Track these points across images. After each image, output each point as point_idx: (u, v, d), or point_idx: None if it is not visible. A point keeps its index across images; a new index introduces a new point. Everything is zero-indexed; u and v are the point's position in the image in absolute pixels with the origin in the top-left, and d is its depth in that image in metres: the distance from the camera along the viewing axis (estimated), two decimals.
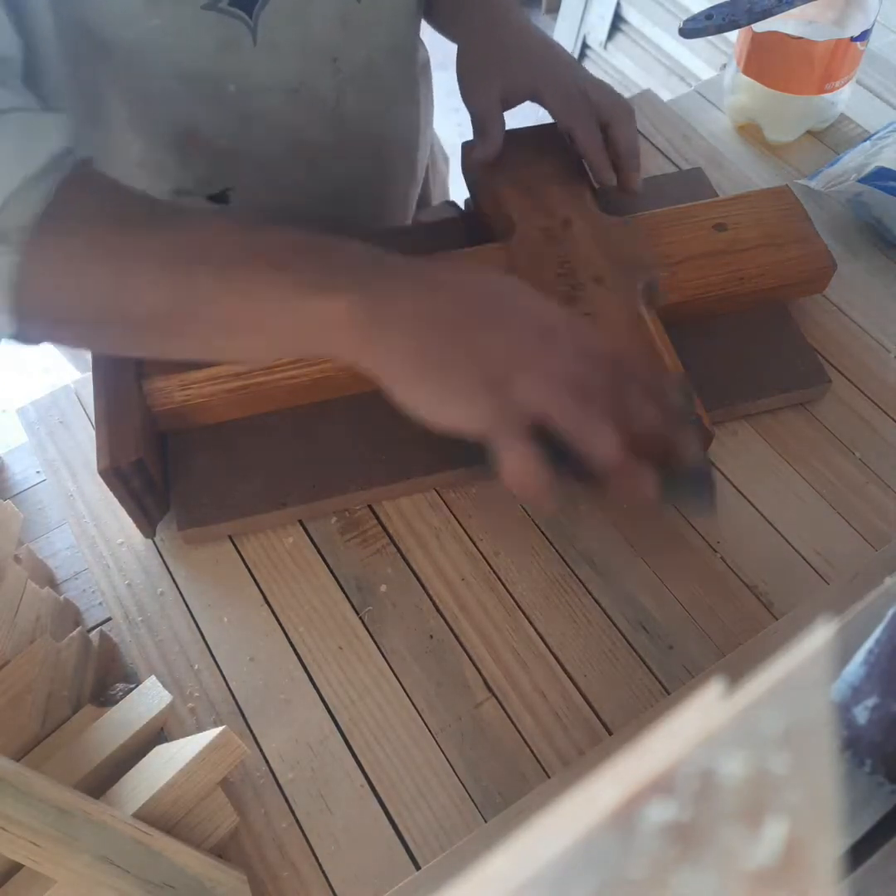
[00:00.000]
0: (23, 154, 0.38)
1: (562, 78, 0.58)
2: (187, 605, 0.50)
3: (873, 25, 0.65)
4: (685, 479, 0.40)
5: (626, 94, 0.73)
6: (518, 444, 0.38)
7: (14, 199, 0.37)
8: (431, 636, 0.49)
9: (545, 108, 0.59)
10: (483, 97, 0.59)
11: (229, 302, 0.39)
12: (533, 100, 0.59)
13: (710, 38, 0.71)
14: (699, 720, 0.13)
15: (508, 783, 0.45)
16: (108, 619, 0.51)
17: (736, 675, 0.44)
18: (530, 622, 0.49)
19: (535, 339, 0.39)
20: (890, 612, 0.34)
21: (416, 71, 0.66)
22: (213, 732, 0.39)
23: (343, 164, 0.62)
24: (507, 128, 0.60)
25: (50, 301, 0.40)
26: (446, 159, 0.85)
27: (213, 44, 0.51)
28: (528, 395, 0.38)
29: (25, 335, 0.41)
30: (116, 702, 0.44)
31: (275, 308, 0.39)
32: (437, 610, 0.50)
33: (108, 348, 0.47)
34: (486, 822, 0.43)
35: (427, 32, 0.68)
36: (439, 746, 0.46)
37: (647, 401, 0.39)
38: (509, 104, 0.60)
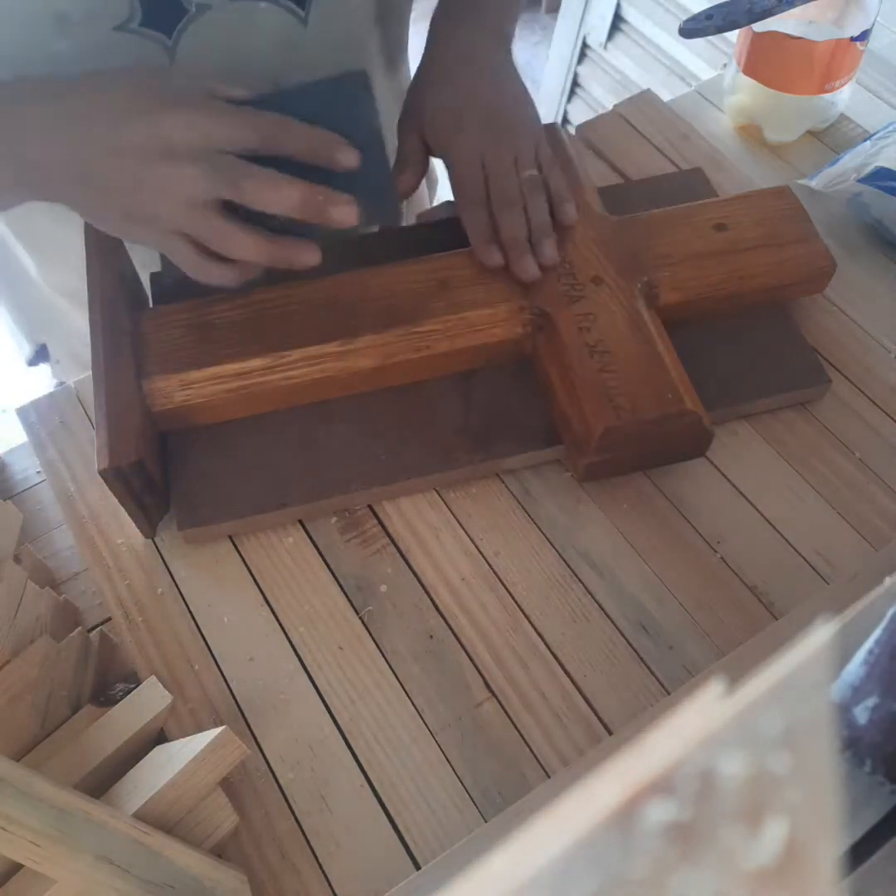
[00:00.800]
0: None
1: (466, 156, 0.54)
2: (187, 605, 0.50)
3: (873, 25, 0.65)
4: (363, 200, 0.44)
5: (626, 95, 0.74)
6: (176, 252, 0.44)
7: None
8: (431, 636, 0.49)
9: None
10: (408, 138, 0.56)
11: None
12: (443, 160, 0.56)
13: (710, 38, 0.71)
14: (699, 720, 0.13)
15: (508, 783, 0.45)
16: (108, 619, 0.51)
17: (736, 675, 0.44)
18: (530, 622, 0.49)
19: (151, 158, 0.42)
20: (890, 612, 0.34)
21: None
22: (213, 732, 0.39)
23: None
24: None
25: None
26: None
27: (128, 63, 0.49)
28: (173, 217, 0.43)
29: None
30: (116, 702, 0.44)
31: None
32: (437, 610, 0.50)
33: None
34: (486, 822, 0.43)
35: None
36: (439, 746, 0.46)
37: (281, 129, 0.43)
38: (430, 151, 0.57)
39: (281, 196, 0.42)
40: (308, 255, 0.45)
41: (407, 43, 0.67)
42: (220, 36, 0.51)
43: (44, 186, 0.44)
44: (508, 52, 0.59)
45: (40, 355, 0.73)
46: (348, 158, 0.44)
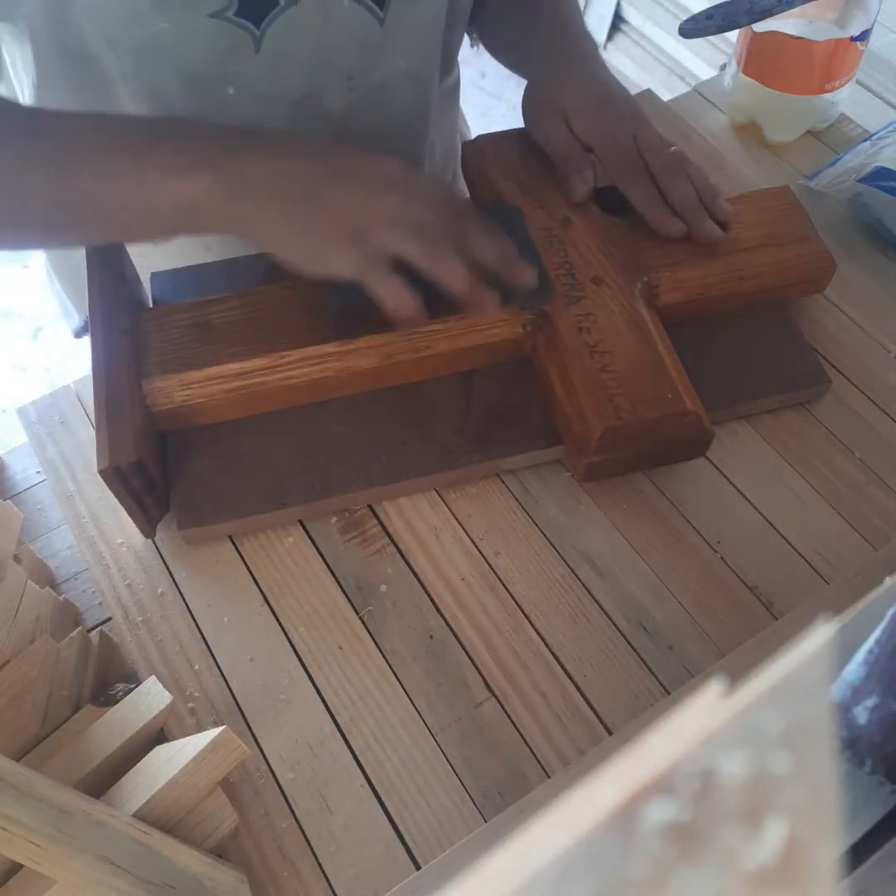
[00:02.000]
0: None
1: (620, 135, 0.57)
2: (187, 605, 0.50)
3: (873, 25, 0.65)
4: (525, 292, 0.50)
5: None
6: (386, 278, 0.46)
7: None
8: (431, 636, 0.49)
9: (601, 164, 0.58)
10: (562, 140, 0.59)
11: (105, 196, 0.44)
12: (589, 151, 0.58)
13: (710, 38, 0.71)
14: (699, 720, 0.13)
15: (508, 783, 0.45)
16: (108, 619, 0.51)
17: (736, 675, 0.44)
18: (530, 622, 0.49)
19: (380, 190, 0.46)
20: (890, 612, 0.34)
21: (431, 97, 0.66)
22: (213, 732, 0.39)
23: None
24: (509, 128, 0.60)
25: None
26: None
27: (216, 49, 0.51)
28: (383, 240, 0.45)
29: None
30: (116, 702, 0.44)
31: (143, 195, 0.44)
32: (437, 610, 0.50)
33: (8, 246, 0.50)
34: (486, 822, 0.43)
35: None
36: (439, 746, 0.46)
37: (485, 236, 0.47)
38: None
39: (457, 272, 0.46)
40: (491, 306, 0.48)
41: (460, 47, 0.69)
42: (302, 31, 0.53)
43: (256, 203, 0.44)
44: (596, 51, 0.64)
45: (87, 327, 0.74)
46: (526, 277, 0.49)
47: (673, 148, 0.57)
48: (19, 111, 0.47)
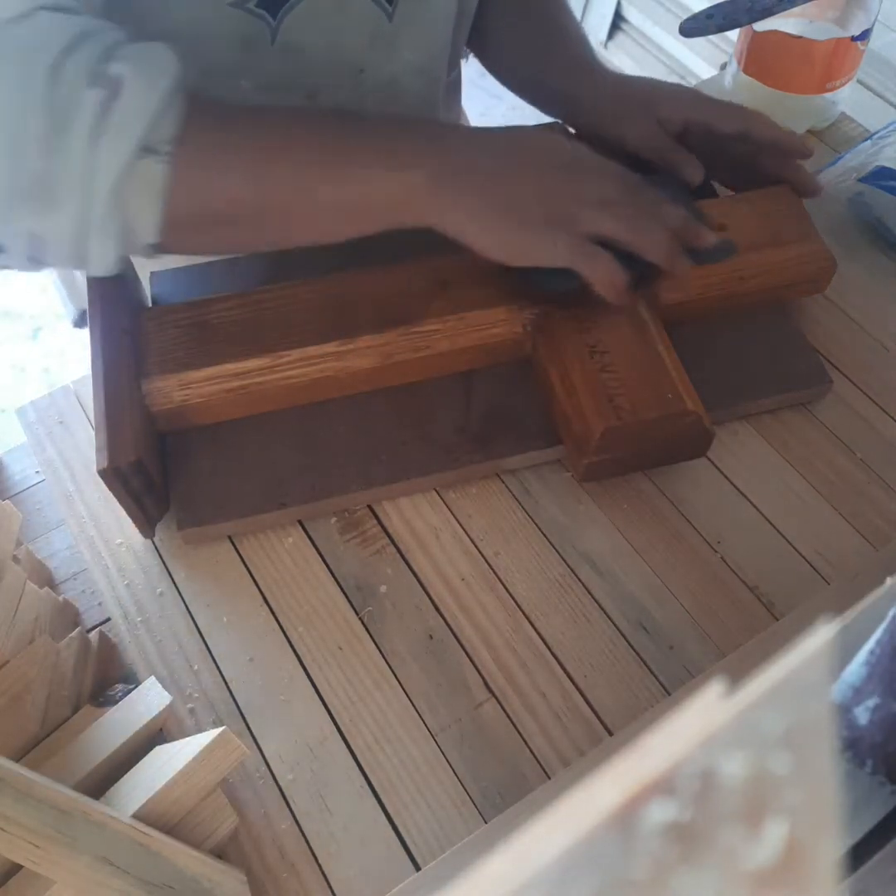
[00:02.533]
0: (157, 75, 0.42)
1: (701, 101, 0.59)
2: (187, 605, 0.50)
3: (873, 25, 0.65)
4: (712, 251, 0.52)
5: None
6: (598, 257, 0.47)
7: (159, 115, 0.41)
8: (431, 636, 0.49)
9: (709, 126, 0.58)
10: (652, 136, 0.59)
11: (334, 188, 0.46)
12: (692, 120, 0.58)
13: (710, 37, 0.71)
14: (699, 720, 0.13)
15: (508, 783, 0.45)
16: (108, 620, 0.51)
17: (736, 675, 0.44)
18: (530, 622, 0.49)
19: (575, 173, 0.48)
20: (891, 612, 0.34)
21: (439, 92, 0.66)
22: (213, 733, 0.39)
23: None
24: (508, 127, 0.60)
25: (193, 207, 0.44)
26: None
27: (234, 40, 0.52)
28: (588, 220, 0.47)
29: (163, 244, 0.45)
30: (116, 702, 0.44)
31: (369, 187, 0.46)
32: (437, 610, 0.50)
33: (240, 245, 0.52)
34: (486, 822, 0.43)
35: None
36: (439, 747, 0.46)
37: (671, 206, 0.50)
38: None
39: (662, 240, 0.49)
40: (687, 270, 0.50)
41: (464, 43, 0.69)
42: (316, 23, 0.54)
43: (461, 195, 0.46)
44: None
45: (84, 319, 0.74)
46: (710, 238, 0.51)
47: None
48: (246, 109, 0.47)
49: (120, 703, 0.44)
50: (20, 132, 0.39)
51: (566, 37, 0.65)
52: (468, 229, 0.47)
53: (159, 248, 0.46)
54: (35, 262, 0.45)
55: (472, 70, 0.73)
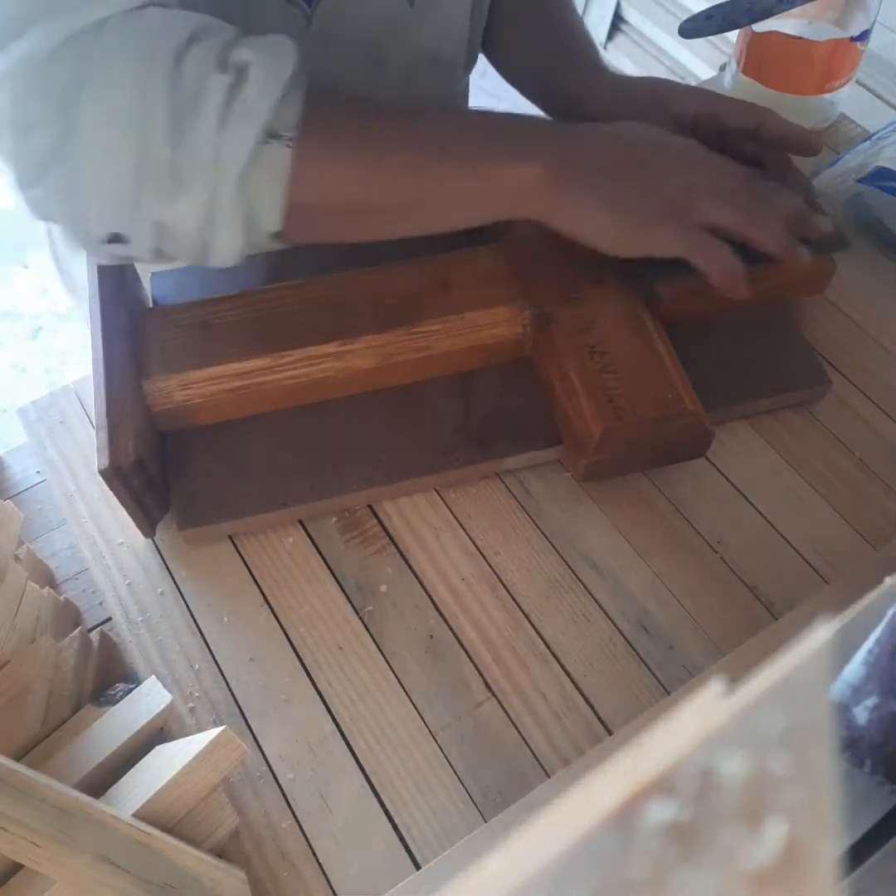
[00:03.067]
0: (280, 61, 0.42)
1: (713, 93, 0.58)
2: (187, 605, 0.50)
3: (873, 25, 0.65)
4: (826, 242, 0.52)
5: None
6: (715, 248, 0.48)
7: (284, 100, 0.42)
8: (431, 636, 0.49)
9: (720, 120, 0.57)
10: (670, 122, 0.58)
11: (455, 179, 0.47)
12: (703, 114, 0.57)
13: (710, 38, 0.71)
14: (699, 720, 0.13)
15: (508, 783, 0.45)
16: (108, 619, 0.51)
17: (736, 675, 0.44)
18: (530, 622, 0.49)
19: (687, 164, 0.49)
20: (890, 612, 0.34)
21: (455, 86, 0.66)
22: (213, 732, 0.39)
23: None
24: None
25: (315, 194, 0.45)
26: None
27: (273, 31, 0.52)
28: (707, 211, 0.48)
29: (286, 233, 0.45)
30: (116, 702, 0.44)
31: (489, 179, 0.47)
32: (437, 610, 0.50)
33: (361, 233, 0.52)
34: (485, 821, 0.43)
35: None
36: (439, 746, 0.46)
37: (786, 195, 0.50)
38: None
39: (776, 230, 0.49)
40: (805, 259, 0.50)
41: (480, 36, 0.69)
42: (343, 11, 0.54)
43: (579, 190, 0.47)
44: None
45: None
46: (827, 225, 0.52)
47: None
48: (361, 99, 0.48)
49: (120, 702, 0.44)
50: (146, 119, 0.40)
51: (573, 38, 0.65)
52: (583, 227, 0.48)
53: (282, 238, 0.46)
54: (159, 254, 0.45)
55: (472, 71, 0.73)
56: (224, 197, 0.42)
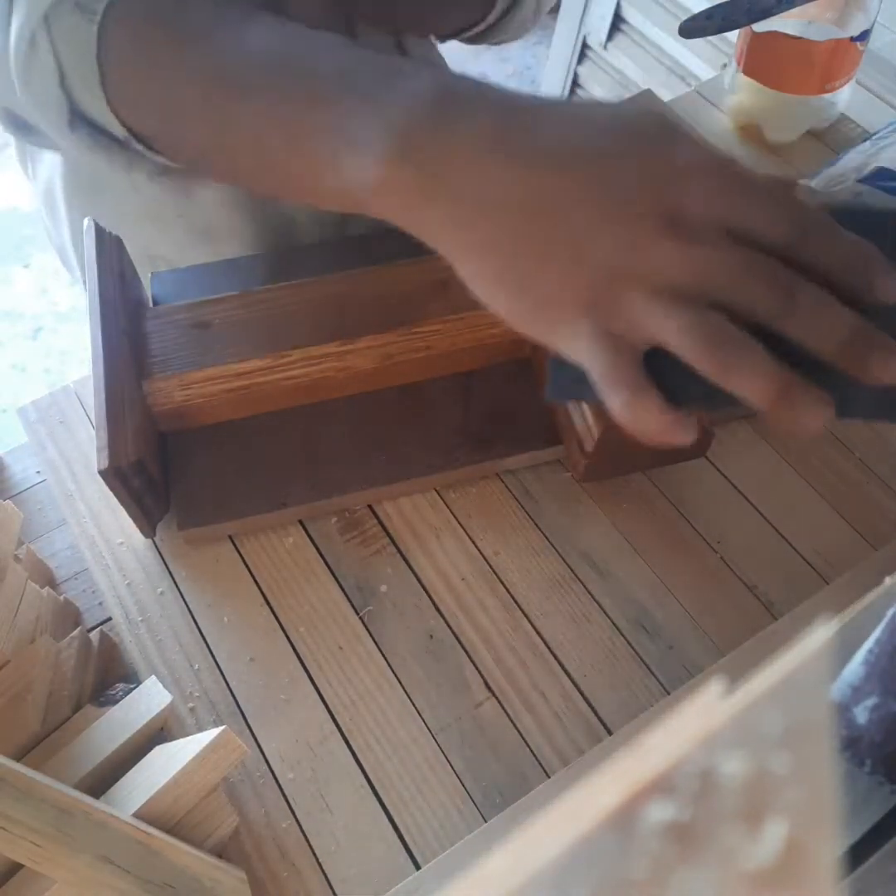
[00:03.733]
0: None
1: None
2: (187, 605, 0.50)
3: (873, 25, 0.65)
4: (873, 391, 0.29)
5: (626, 95, 0.73)
6: (628, 381, 0.29)
7: None
8: (431, 636, 0.49)
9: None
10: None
11: (266, 143, 0.34)
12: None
13: (710, 38, 0.71)
14: (699, 719, 0.13)
15: (508, 783, 0.45)
16: (108, 619, 0.51)
17: (736, 675, 0.44)
18: (530, 622, 0.49)
19: (655, 218, 0.28)
20: (890, 612, 0.34)
21: None
22: (213, 732, 0.39)
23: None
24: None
25: (131, 91, 0.37)
26: None
27: None
28: (642, 315, 0.28)
29: (130, 132, 0.39)
30: (116, 702, 0.44)
31: (314, 162, 0.33)
32: (437, 610, 0.50)
33: (184, 155, 0.41)
34: (485, 821, 0.43)
35: None
36: (439, 746, 0.46)
37: (835, 308, 0.29)
38: None
39: (828, 325, 0.28)
40: (815, 413, 0.28)
41: None
42: None
43: (457, 221, 0.31)
44: None
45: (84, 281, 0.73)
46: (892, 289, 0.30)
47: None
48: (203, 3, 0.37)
49: (120, 702, 0.44)
50: None
51: None
52: (450, 257, 0.33)
53: (135, 137, 0.39)
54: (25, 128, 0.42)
55: (473, 71, 0.73)
56: (28, 31, 0.37)
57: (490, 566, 0.51)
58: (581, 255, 0.29)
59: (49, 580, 0.52)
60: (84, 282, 0.71)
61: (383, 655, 0.48)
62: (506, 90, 0.32)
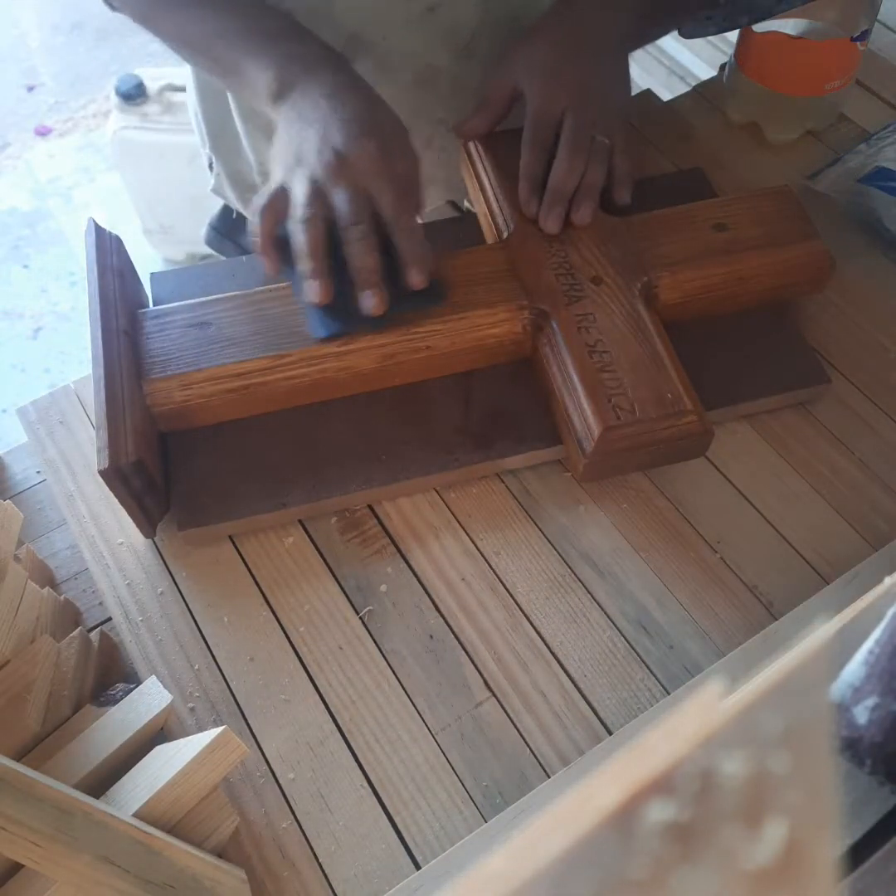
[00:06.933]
0: None
1: (551, 106, 0.56)
2: (187, 605, 0.50)
3: (873, 25, 0.65)
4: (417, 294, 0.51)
5: None
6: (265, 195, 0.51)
7: None
8: (431, 636, 0.49)
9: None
10: (498, 84, 0.58)
11: (220, 53, 0.56)
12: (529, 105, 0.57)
13: (710, 38, 0.71)
14: (699, 720, 0.13)
15: (508, 783, 0.45)
16: (108, 619, 0.51)
17: (736, 675, 0.44)
18: (530, 622, 0.49)
19: (332, 158, 0.50)
20: (890, 612, 0.34)
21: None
22: (213, 732, 0.39)
23: (458, 96, 0.63)
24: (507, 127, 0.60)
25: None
26: None
27: None
28: (295, 194, 0.50)
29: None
30: (116, 702, 0.44)
31: (239, 71, 0.55)
32: (437, 610, 0.50)
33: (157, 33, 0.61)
34: (486, 821, 0.43)
35: None
36: (439, 746, 0.46)
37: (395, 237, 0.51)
38: (517, 98, 0.58)
39: (360, 255, 0.49)
40: (313, 294, 0.50)
41: None
42: None
43: (290, 116, 0.52)
44: (623, 36, 0.60)
45: (211, 164, 0.80)
46: (417, 280, 0.51)
47: (601, 139, 0.55)
48: None
49: (121, 702, 0.44)
50: None
51: None
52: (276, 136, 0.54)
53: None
54: None
55: None
56: None
57: (490, 566, 0.51)
58: (299, 155, 0.51)
59: (49, 580, 0.52)
60: (210, 162, 0.80)
61: (383, 655, 0.48)
62: (331, 65, 0.53)
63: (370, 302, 0.49)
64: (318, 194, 0.50)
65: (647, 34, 0.64)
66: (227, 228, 0.83)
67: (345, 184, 0.50)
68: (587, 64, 0.57)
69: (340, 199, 0.49)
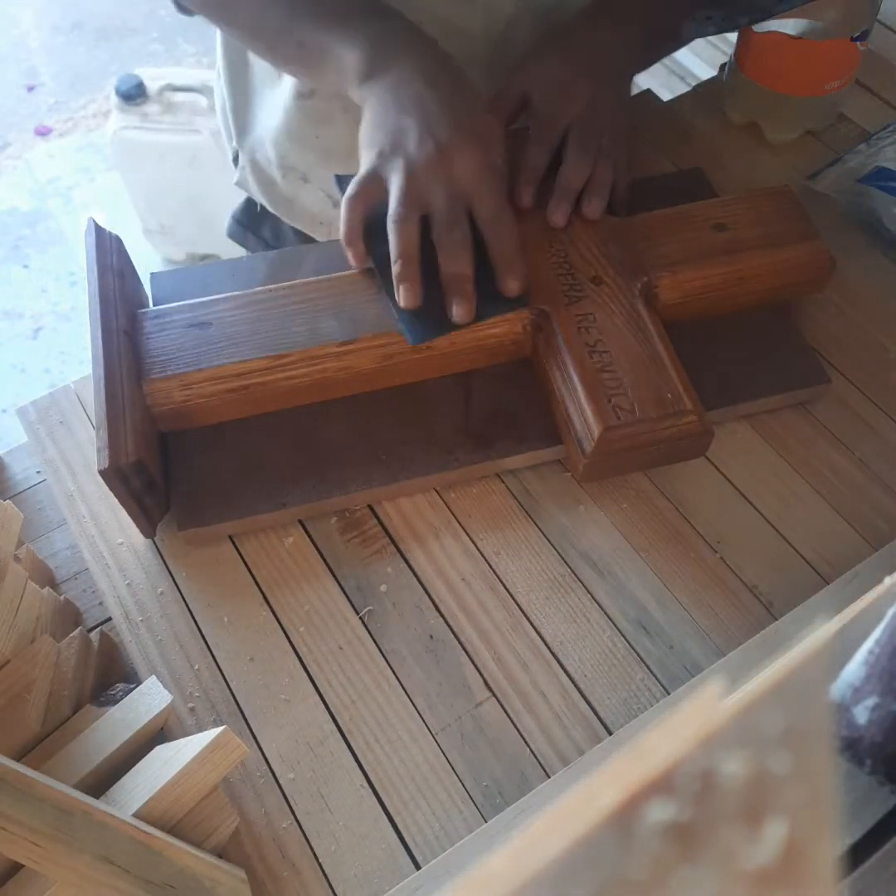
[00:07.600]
0: None
1: (562, 114, 0.56)
2: (187, 605, 0.50)
3: (873, 25, 0.65)
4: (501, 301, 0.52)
5: None
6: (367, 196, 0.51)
7: None
8: (431, 636, 0.49)
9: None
10: (509, 90, 0.58)
11: (304, 36, 0.55)
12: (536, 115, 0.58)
13: (710, 38, 0.71)
14: (699, 720, 0.13)
15: (508, 783, 0.45)
16: (108, 619, 0.51)
17: (736, 675, 0.44)
18: (530, 622, 0.49)
19: (433, 152, 0.49)
20: (890, 612, 0.34)
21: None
22: (213, 732, 0.39)
23: (492, 85, 0.63)
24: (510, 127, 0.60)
25: None
26: None
27: None
28: (388, 179, 0.50)
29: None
30: (116, 702, 0.44)
31: (324, 52, 0.54)
32: (437, 610, 0.50)
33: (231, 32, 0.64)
34: (486, 821, 0.43)
35: None
36: (439, 746, 0.46)
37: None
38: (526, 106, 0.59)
39: (456, 261, 0.50)
40: (404, 299, 0.50)
41: None
42: None
43: (376, 100, 0.52)
44: (632, 59, 0.62)
45: (236, 158, 0.80)
46: (513, 288, 0.51)
47: (605, 140, 0.56)
48: None
49: (121, 702, 0.44)
50: None
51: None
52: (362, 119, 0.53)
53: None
54: None
55: None
56: None
57: (490, 566, 0.51)
58: (395, 143, 0.50)
59: (49, 580, 0.52)
60: (235, 155, 0.79)
61: (383, 655, 0.48)
62: (423, 46, 0.53)
63: (460, 309, 0.49)
64: (415, 189, 0.48)
65: (657, 48, 0.65)
66: (250, 221, 0.83)
67: (445, 182, 0.48)
68: (597, 83, 0.58)
69: (439, 199, 0.48)
